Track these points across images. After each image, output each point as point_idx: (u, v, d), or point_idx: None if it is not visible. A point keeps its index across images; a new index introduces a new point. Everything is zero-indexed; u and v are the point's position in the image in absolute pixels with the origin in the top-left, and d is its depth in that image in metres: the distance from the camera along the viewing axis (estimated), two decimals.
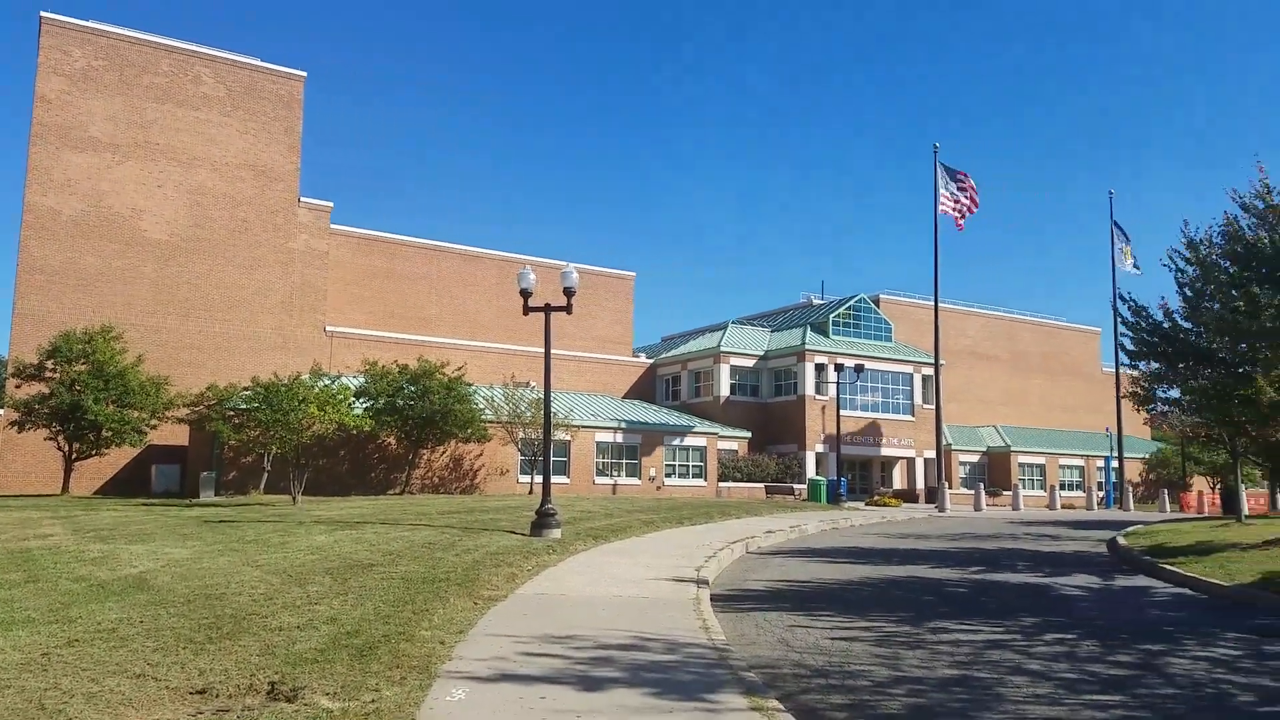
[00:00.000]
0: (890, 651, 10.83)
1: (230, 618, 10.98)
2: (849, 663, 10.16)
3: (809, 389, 59.97)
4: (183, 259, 50.84)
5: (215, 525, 23.20)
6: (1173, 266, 24.14)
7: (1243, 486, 37.97)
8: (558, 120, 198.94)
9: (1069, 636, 12.07)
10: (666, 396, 66.39)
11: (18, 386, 40.31)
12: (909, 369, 64.76)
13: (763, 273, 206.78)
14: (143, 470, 46.56)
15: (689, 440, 55.44)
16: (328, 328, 55.12)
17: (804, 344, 60.96)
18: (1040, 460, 71.44)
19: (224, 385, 41.30)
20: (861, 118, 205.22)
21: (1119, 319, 27.65)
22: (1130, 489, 59.10)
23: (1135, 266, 61.58)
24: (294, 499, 33.61)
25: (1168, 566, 19.47)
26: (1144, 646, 11.46)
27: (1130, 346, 26.12)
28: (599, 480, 51.55)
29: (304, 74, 55.72)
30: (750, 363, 63.47)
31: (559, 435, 47.29)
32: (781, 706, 7.75)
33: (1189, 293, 23.98)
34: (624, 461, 53.13)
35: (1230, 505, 40.29)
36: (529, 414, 45.71)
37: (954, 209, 52.49)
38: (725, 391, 62.02)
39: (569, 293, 23.11)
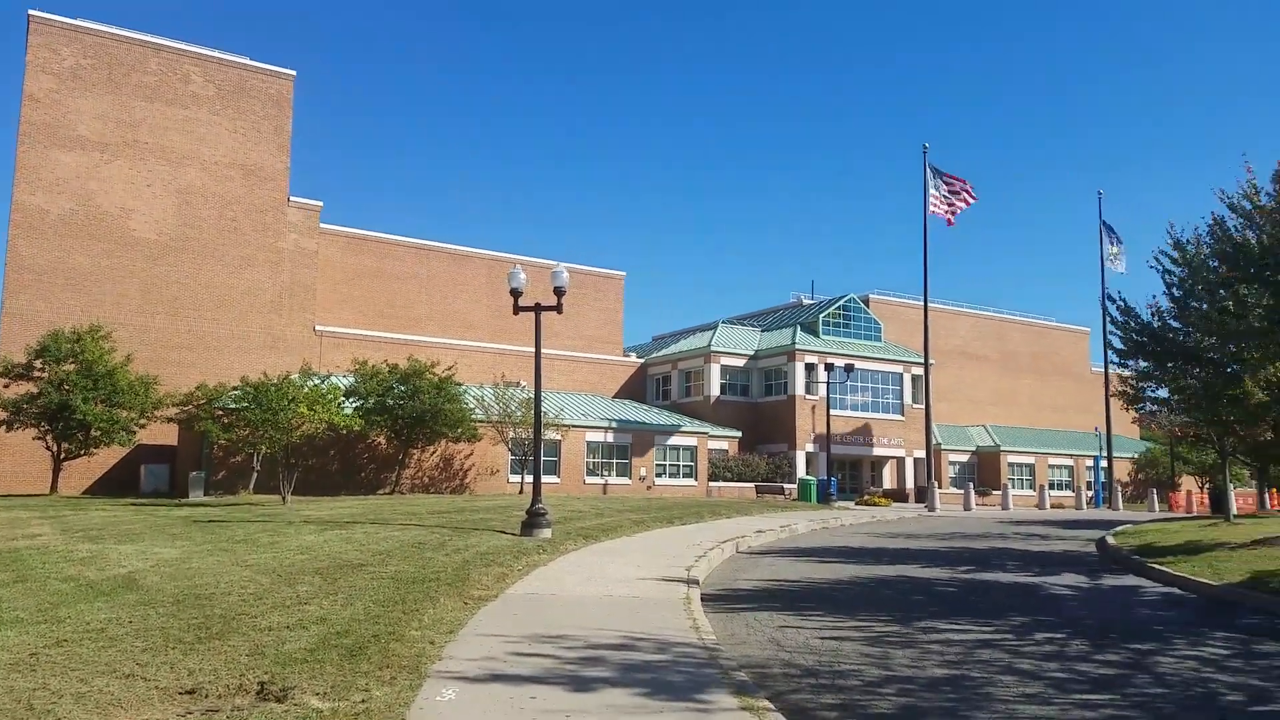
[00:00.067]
0: (880, 651, 10.83)
1: (220, 618, 10.96)
2: (839, 662, 10.16)
3: (799, 389, 60.08)
4: (172, 258, 50.73)
5: (204, 525, 23.14)
6: (1159, 268, 24.23)
7: (1231, 486, 38.08)
8: (547, 119, 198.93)
9: (1059, 636, 12.09)
10: (657, 396, 66.45)
11: (6, 386, 40.13)
12: (899, 369, 64.92)
13: (753, 273, 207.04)
14: (131, 470, 46.43)
15: (679, 440, 55.47)
16: (317, 327, 55.05)
17: (794, 344, 61.08)
18: (1030, 460, 71.65)
19: (213, 385, 41.22)
20: (852, 117, 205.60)
21: (1108, 318, 27.75)
22: (1119, 488, 59.30)
23: (1121, 268, 61.67)
24: (283, 499, 33.56)
25: (1157, 566, 19.51)
26: (1133, 646, 11.47)
27: (1119, 345, 26.19)
28: (589, 480, 51.55)
29: (293, 73, 55.68)
30: (740, 362, 63.57)
31: (549, 435, 47.25)
32: (772, 706, 7.74)
33: (1176, 293, 24.05)
34: (614, 461, 53.14)
35: (1219, 505, 40.43)
36: (519, 413, 45.69)
37: (946, 210, 52.53)
38: (715, 391, 62.11)
39: (559, 292, 23.10)
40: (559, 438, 49.59)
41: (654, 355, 69.23)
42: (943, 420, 71.16)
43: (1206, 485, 59.90)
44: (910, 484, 62.89)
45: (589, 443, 52.13)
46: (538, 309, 23.20)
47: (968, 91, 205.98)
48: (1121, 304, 25.21)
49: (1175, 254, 23.69)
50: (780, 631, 11.90)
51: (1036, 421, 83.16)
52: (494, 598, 13.02)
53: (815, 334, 63.61)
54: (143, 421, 41.44)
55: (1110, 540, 26.01)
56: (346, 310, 59.52)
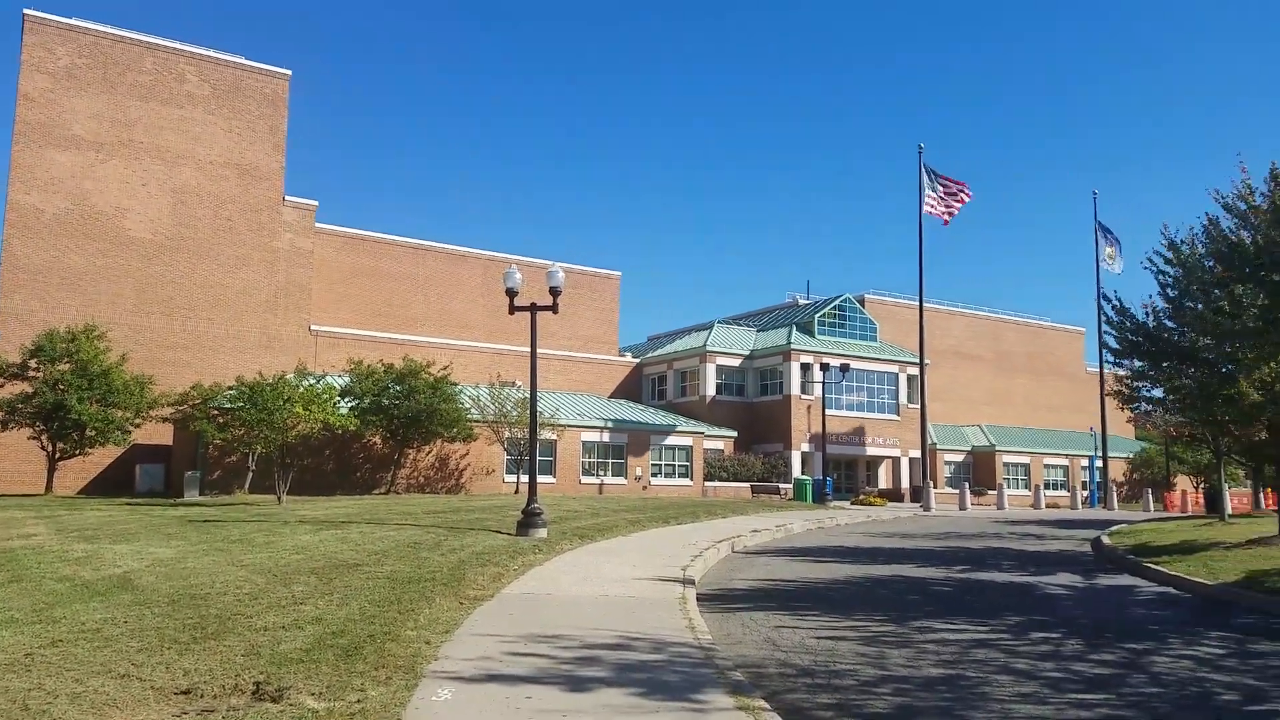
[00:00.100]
0: (876, 651, 10.84)
1: (215, 618, 10.95)
2: (835, 662, 10.17)
3: (794, 388, 60.08)
4: (167, 258, 50.67)
5: (200, 525, 23.12)
6: (1154, 269, 24.23)
7: (1226, 486, 38.15)
8: (547, 119, 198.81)
9: (1054, 635, 12.11)
10: (652, 396, 66.45)
11: (1, 386, 40.09)
12: (894, 369, 64.93)
13: (752, 272, 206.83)
14: (127, 470, 46.37)
15: (675, 440, 55.47)
16: (312, 327, 55.01)
17: (789, 344, 61.08)
18: (1025, 460, 71.67)
19: (208, 384, 41.18)
20: (851, 117, 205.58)
21: (1103, 318, 27.77)
22: (1114, 488, 59.29)
23: (1117, 268, 61.66)
24: (279, 498, 33.54)
25: (1152, 565, 19.55)
26: (1129, 645, 11.50)
27: (1114, 345, 26.19)
28: (585, 480, 51.53)
29: (289, 72, 55.61)
30: (736, 362, 63.57)
31: (545, 435, 47.26)
32: (768, 706, 7.75)
33: (1171, 293, 24.07)
34: (610, 461, 53.12)
35: (1214, 504, 40.46)
36: (515, 413, 45.70)
37: (943, 211, 52.58)
38: (711, 391, 62.11)
39: (555, 292, 23.10)
40: (555, 437, 49.59)
41: (649, 355, 69.23)
42: (938, 420, 71.19)
43: (1201, 485, 59.88)
44: (905, 484, 62.89)
45: (585, 443, 52.11)
46: (533, 309, 23.20)
47: (967, 91, 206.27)
48: (1117, 303, 25.24)
49: (1169, 254, 23.71)
50: (776, 631, 11.91)
51: (1031, 421, 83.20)
52: (490, 598, 13.02)
53: (811, 334, 63.63)
54: (138, 421, 41.42)
55: (1105, 540, 26.05)
56: (342, 310, 59.48)
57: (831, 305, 66.08)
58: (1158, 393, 27.12)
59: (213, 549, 17.82)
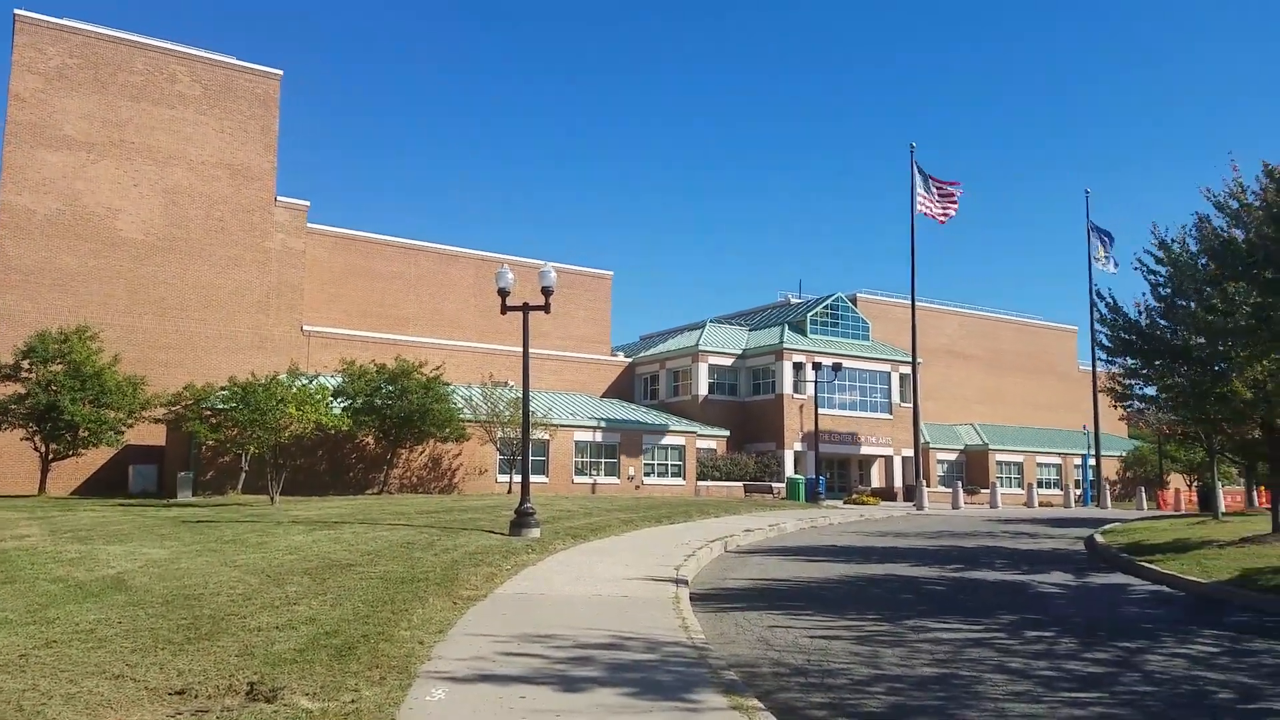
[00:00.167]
0: (870, 650, 10.85)
1: (209, 618, 10.93)
2: (828, 661, 10.17)
3: (787, 388, 60.11)
4: (159, 258, 50.58)
5: (193, 525, 23.09)
6: (1143, 269, 24.28)
7: (1219, 484, 38.23)
8: (547, 119, 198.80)
9: (1048, 634, 12.12)
10: (645, 395, 66.45)
11: None
12: (887, 368, 65.00)
13: (751, 272, 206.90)
14: (120, 470, 46.33)
15: (667, 439, 55.48)
16: (305, 327, 54.96)
17: (782, 343, 61.13)
18: (1018, 458, 71.77)
19: (201, 385, 41.21)
20: (851, 117, 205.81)
21: (1096, 316, 27.79)
22: (1108, 487, 59.45)
23: (1114, 265, 61.75)
24: (272, 499, 33.49)
25: (1145, 564, 19.59)
26: (1122, 644, 11.52)
27: (1107, 343, 26.23)
28: (578, 479, 51.52)
29: (280, 73, 55.51)
30: (728, 362, 63.59)
31: (538, 434, 47.27)
32: (761, 705, 7.75)
33: (1163, 292, 24.11)
34: (603, 460, 53.12)
35: (1207, 503, 40.55)
36: (507, 413, 45.67)
37: (939, 212, 52.65)
38: (703, 390, 62.13)
39: (547, 292, 23.08)
40: (547, 437, 49.56)
41: (642, 355, 69.24)
42: (931, 419, 71.28)
43: (1195, 483, 60.06)
44: (898, 483, 62.97)
45: (577, 442, 52.11)
46: (525, 309, 23.18)
47: (967, 92, 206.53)
48: (1110, 301, 25.27)
49: (1160, 254, 23.75)
50: (769, 630, 11.91)
51: (1025, 420, 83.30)
52: (483, 598, 13.02)
53: (803, 333, 63.69)
54: (130, 422, 41.37)
55: (1099, 538, 26.10)
56: (334, 310, 59.42)
57: (824, 304, 66.15)
58: (1150, 391, 27.17)
59: (206, 549, 17.80)
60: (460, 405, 45.58)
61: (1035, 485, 61.65)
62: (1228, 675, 9.90)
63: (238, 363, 48.18)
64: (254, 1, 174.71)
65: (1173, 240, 23.53)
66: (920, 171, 52.53)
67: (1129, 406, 29.10)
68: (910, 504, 51.07)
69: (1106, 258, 61.39)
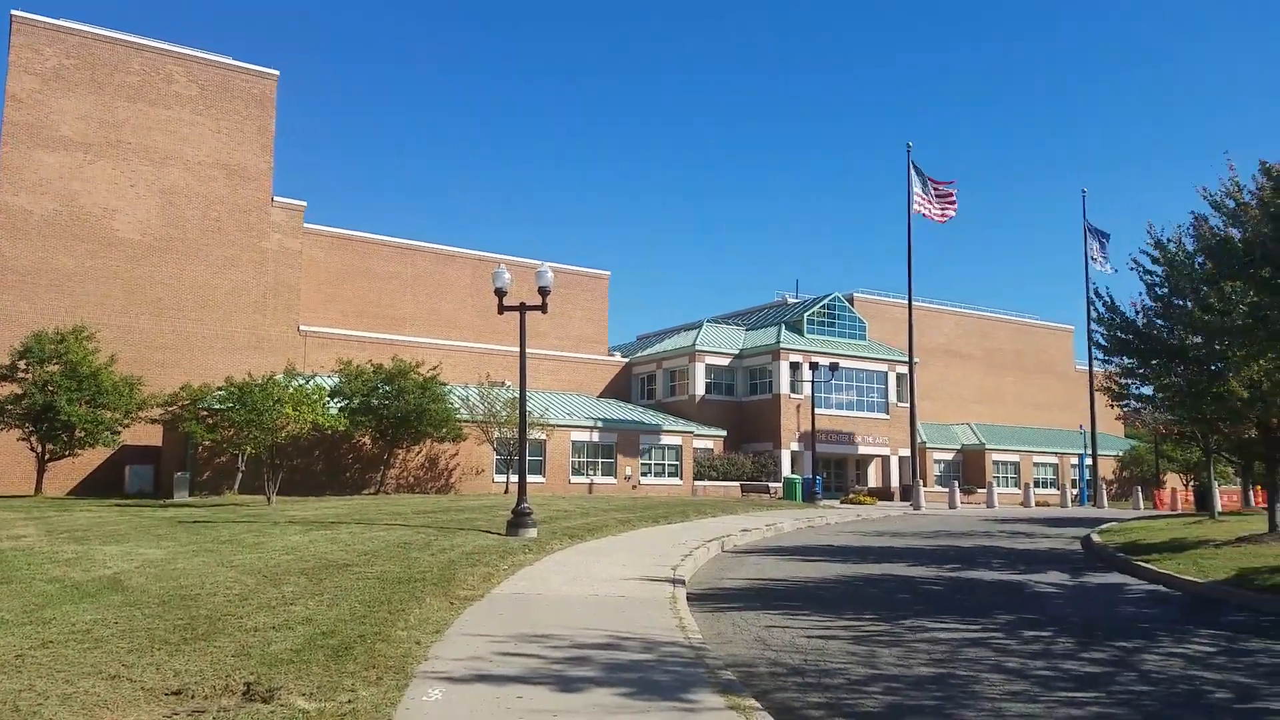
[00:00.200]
0: (867, 649, 10.85)
1: (205, 618, 10.92)
2: (826, 661, 10.17)
3: (784, 388, 60.14)
4: (155, 259, 50.54)
5: (190, 526, 23.07)
6: (1139, 269, 24.26)
7: (1216, 483, 38.26)
8: (547, 119, 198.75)
9: (1044, 634, 12.12)
10: (642, 395, 66.45)
11: None
12: (883, 367, 65.03)
13: (750, 272, 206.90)
14: (116, 471, 46.29)
15: (664, 439, 55.48)
16: (301, 327, 54.93)
17: (779, 343, 61.17)
18: (1015, 458, 71.84)
19: (198, 385, 41.19)
20: (851, 117, 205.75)
21: (1092, 315, 27.80)
22: (1104, 486, 59.43)
23: (1109, 268, 61.76)
24: (268, 499, 33.47)
25: (1142, 563, 19.59)
26: (1119, 643, 11.52)
27: (1103, 342, 26.22)
28: (575, 479, 51.52)
29: (277, 73, 55.50)
30: (725, 361, 63.61)
31: (534, 434, 47.23)
32: (758, 705, 7.75)
33: (1159, 292, 24.11)
34: (600, 460, 53.13)
35: (1204, 502, 40.57)
36: (504, 413, 45.67)
37: (938, 212, 52.68)
38: (700, 390, 62.14)
39: (544, 292, 23.08)
40: (544, 437, 49.55)
41: (639, 355, 69.24)
42: (927, 419, 71.30)
43: (1191, 483, 60.10)
44: (895, 482, 62.98)
45: (574, 442, 52.11)
46: (522, 309, 23.17)
47: (967, 91, 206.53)
48: (1107, 300, 25.26)
49: (1156, 253, 23.74)
50: (766, 630, 11.91)
51: (1021, 420, 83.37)
52: (480, 598, 13.01)
53: (800, 333, 63.71)
54: (127, 422, 41.35)
55: (1095, 538, 26.10)
56: (331, 310, 59.41)
57: (820, 304, 66.18)
58: (1147, 390, 27.15)
59: (203, 550, 17.78)
60: (457, 405, 45.58)
61: (1032, 485, 61.60)
62: (1224, 675, 9.90)
63: (234, 363, 48.18)
64: (251, 1, 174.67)
65: (1169, 240, 23.52)
66: (918, 171, 52.60)
67: (1125, 406, 29.05)
68: (907, 504, 51.07)
69: (1103, 259, 61.46)
